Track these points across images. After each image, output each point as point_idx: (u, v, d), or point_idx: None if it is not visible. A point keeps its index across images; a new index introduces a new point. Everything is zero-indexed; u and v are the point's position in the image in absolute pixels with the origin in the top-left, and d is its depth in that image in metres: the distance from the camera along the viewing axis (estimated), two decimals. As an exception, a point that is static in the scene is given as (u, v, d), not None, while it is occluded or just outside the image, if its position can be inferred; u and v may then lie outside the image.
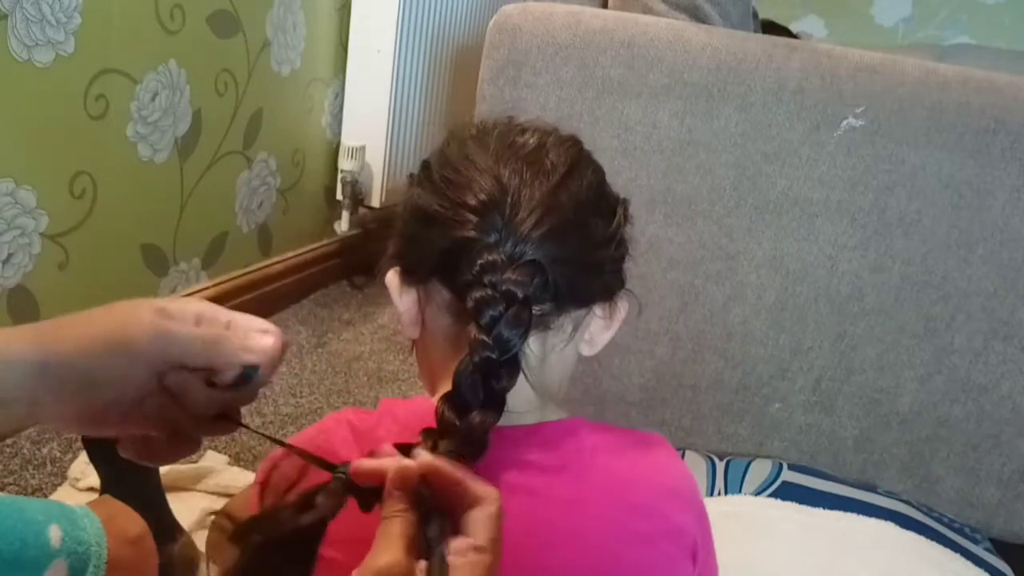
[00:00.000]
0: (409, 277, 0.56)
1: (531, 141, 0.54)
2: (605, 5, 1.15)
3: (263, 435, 0.51)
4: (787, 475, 1.02)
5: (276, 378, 1.39)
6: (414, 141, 1.88)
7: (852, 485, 1.02)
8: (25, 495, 1.00)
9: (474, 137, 0.55)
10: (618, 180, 1.06)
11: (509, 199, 0.50)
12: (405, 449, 0.44)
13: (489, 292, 0.47)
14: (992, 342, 1.00)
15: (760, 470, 1.03)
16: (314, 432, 0.56)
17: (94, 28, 1.12)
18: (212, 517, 0.76)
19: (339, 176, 1.79)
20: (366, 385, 1.43)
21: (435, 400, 0.50)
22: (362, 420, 0.54)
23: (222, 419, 0.47)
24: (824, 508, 0.96)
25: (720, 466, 1.05)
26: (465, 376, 0.46)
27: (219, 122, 1.43)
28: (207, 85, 1.38)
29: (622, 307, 0.57)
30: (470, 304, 0.47)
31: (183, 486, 1.00)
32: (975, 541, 1.00)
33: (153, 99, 1.26)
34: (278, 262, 1.70)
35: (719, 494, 1.00)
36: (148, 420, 0.45)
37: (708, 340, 1.07)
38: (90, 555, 0.64)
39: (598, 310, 0.56)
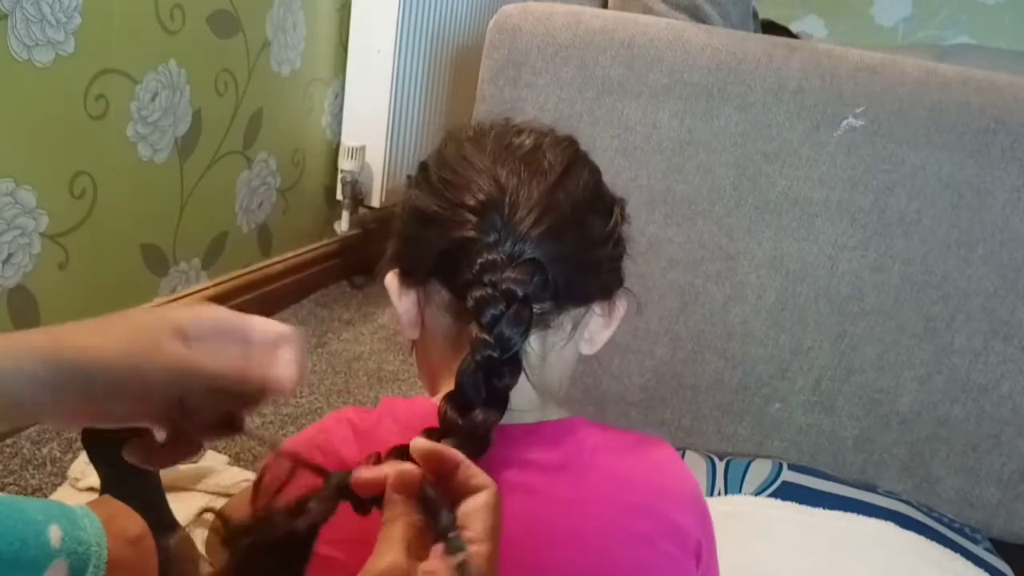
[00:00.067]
0: (408, 278, 0.56)
1: (527, 142, 0.54)
2: (605, 5, 1.15)
3: (262, 439, 0.51)
4: (787, 475, 1.02)
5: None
6: (414, 141, 1.88)
7: (852, 485, 1.02)
8: (25, 495, 1.00)
9: (471, 138, 0.55)
10: (618, 180, 1.06)
11: (507, 199, 0.50)
12: (406, 451, 0.44)
13: (489, 291, 0.47)
14: (992, 342, 1.00)
15: (760, 470, 1.03)
16: (315, 431, 0.56)
17: (94, 28, 1.12)
18: (211, 516, 0.76)
19: (339, 176, 1.79)
20: (366, 385, 1.43)
21: (435, 400, 0.50)
22: (362, 419, 0.54)
23: (226, 425, 0.47)
24: (824, 508, 0.96)
25: (720, 466, 1.05)
26: (467, 375, 0.46)
27: (219, 122, 1.43)
28: (207, 85, 1.37)
29: (621, 306, 0.58)
30: (471, 303, 0.48)
31: (183, 486, 1.00)
32: (975, 541, 1.00)
33: (153, 99, 1.26)
34: (278, 262, 1.70)
35: (719, 494, 1.00)
36: (151, 420, 0.45)
37: (708, 340, 1.07)
38: (90, 555, 0.64)
39: (597, 309, 0.57)
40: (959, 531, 1.01)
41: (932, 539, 0.95)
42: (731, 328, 1.06)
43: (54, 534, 0.61)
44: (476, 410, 0.45)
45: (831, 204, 1.00)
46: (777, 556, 0.88)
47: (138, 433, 0.48)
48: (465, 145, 0.54)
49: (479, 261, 0.49)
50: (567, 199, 0.52)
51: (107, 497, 0.74)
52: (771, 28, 1.67)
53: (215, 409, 0.45)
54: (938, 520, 1.01)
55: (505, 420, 0.48)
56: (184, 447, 0.46)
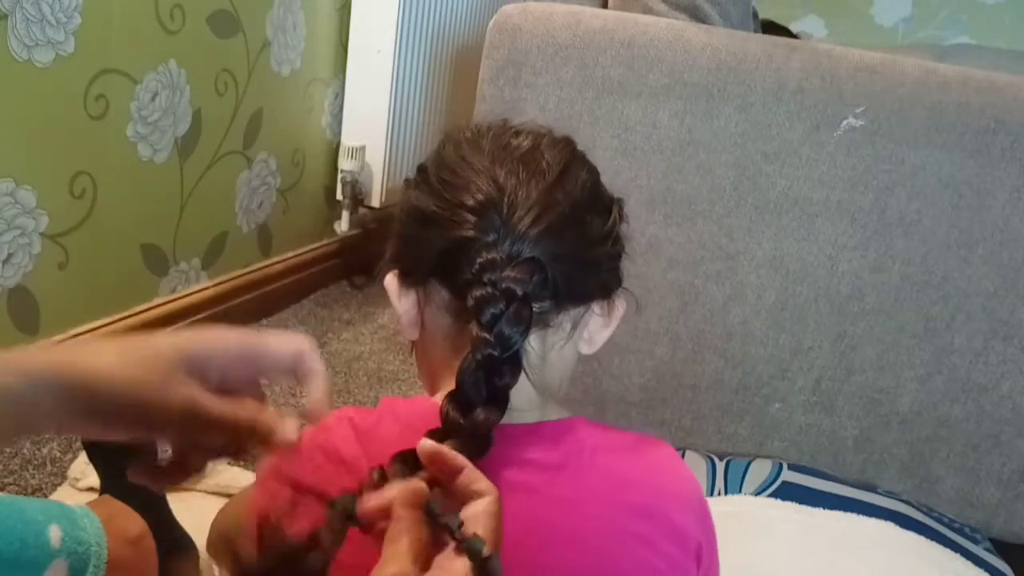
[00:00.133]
0: (408, 279, 0.56)
1: (525, 143, 0.54)
2: (605, 5, 1.15)
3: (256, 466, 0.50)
4: (787, 475, 1.02)
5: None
6: (414, 141, 1.88)
7: (852, 485, 1.02)
8: (25, 495, 1.00)
9: (469, 140, 0.55)
10: (618, 180, 1.06)
11: (506, 199, 0.50)
12: (409, 456, 0.44)
13: (489, 290, 0.48)
14: (992, 342, 1.00)
15: (760, 470, 1.03)
16: (315, 431, 0.56)
17: (94, 28, 1.12)
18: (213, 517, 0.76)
19: (339, 176, 1.79)
20: (366, 385, 1.43)
21: (436, 399, 0.50)
22: (363, 418, 0.54)
23: (232, 453, 0.47)
24: (824, 508, 0.96)
25: (720, 466, 1.05)
26: (468, 374, 0.46)
27: (219, 122, 1.43)
28: (207, 85, 1.38)
29: (620, 305, 0.58)
30: (471, 302, 0.48)
31: (183, 486, 1.00)
32: (975, 541, 1.00)
33: (153, 99, 1.26)
34: (278, 262, 1.70)
35: (719, 494, 1.00)
36: (157, 435, 0.44)
37: (708, 340, 1.07)
38: (90, 555, 0.64)
39: (596, 308, 0.57)
40: (959, 531, 1.01)
41: (932, 539, 0.95)
42: (731, 328, 1.06)
43: (54, 534, 0.61)
44: (477, 409, 0.46)
45: (831, 204, 1.00)
46: (777, 556, 0.88)
47: (140, 444, 0.48)
48: (463, 146, 0.55)
49: (478, 260, 0.49)
50: (565, 198, 0.52)
51: (107, 497, 0.74)
52: (771, 28, 1.67)
53: (222, 438, 0.45)
54: (938, 520, 1.01)
55: (505, 420, 0.48)
56: (187, 469, 0.46)
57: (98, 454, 0.79)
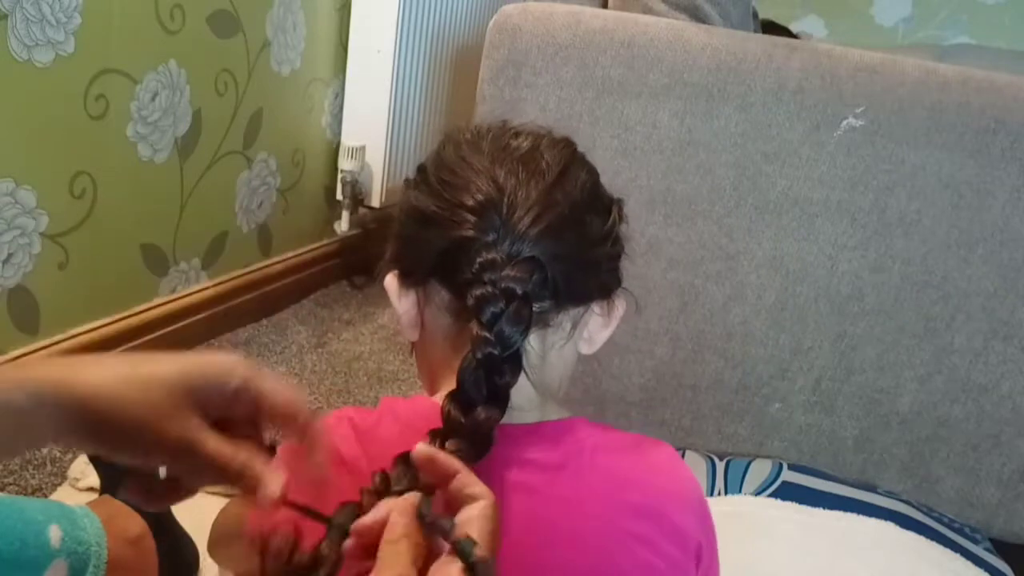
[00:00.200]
0: (408, 279, 0.56)
1: (525, 143, 0.55)
2: (605, 5, 1.15)
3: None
4: (787, 475, 1.02)
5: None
6: (414, 141, 1.88)
7: (852, 485, 1.02)
8: (25, 495, 1.00)
9: (469, 140, 0.55)
10: (618, 180, 1.07)
11: (506, 199, 0.51)
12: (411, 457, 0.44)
13: (489, 289, 0.48)
14: (992, 342, 1.00)
15: (760, 470, 1.03)
16: None
17: (94, 28, 1.12)
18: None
19: (339, 176, 1.79)
20: (366, 385, 1.43)
21: (436, 399, 0.50)
22: (363, 418, 0.55)
23: (228, 480, 0.47)
24: (824, 508, 0.96)
25: (720, 466, 1.05)
26: (468, 373, 0.46)
27: (219, 122, 1.43)
28: (207, 85, 1.38)
29: (620, 305, 0.58)
30: (471, 302, 0.48)
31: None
32: (975, 541, 1.01)
33: (153, 99, 1.26)
34: (278, 262, 1.70)
35: (719, 494, 1.00)
36: (151, 462, 0.44)
37: (708, 340, 1.07)
38: (90, 555, 0.64)
39: (596, 308, 0.57)
40: (959, 531, 1.01)
41: (932, 539, 0.95)
42: (731, 328, 1.06)
43: (54, 534, 0.61)
44: (478, 408, 0.46)
45: (831, 204, 1.00)
46: (777, 556, 0.88)
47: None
48: (463, 147, 0.55)
49: (478, 260, 0.49)
50: (565, 199, 0.52)
51: (107, 497, 0.74)
52: (771, 28, 1.67)
53: (213, 476, 0.45)
54: (938, 520, 1.01)
55: (506, 419, 0.48)
56: (181, 491, 0.46)
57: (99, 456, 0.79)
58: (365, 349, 1.56)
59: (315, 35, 1.65)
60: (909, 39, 2.42)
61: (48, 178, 1.11)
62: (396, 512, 0.40)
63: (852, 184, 0.99)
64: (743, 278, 1.04)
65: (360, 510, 0.42)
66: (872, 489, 1.02)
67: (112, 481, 0.77)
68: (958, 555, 0.94)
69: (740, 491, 1.00)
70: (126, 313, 1.32)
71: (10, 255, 1.08)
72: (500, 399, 0.47)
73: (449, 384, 0.48)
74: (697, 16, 1.08)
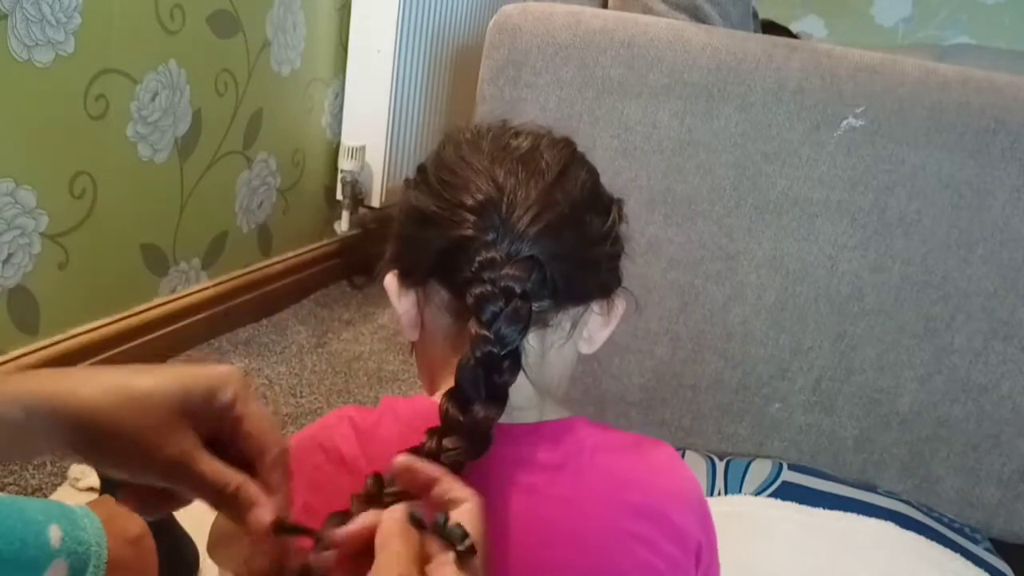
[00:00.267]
0: (407, 279, 0.56)
1: (525, 143, 0.55)
2: (605, 5, 1.15)
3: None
4: (787, 475, 1.02)
5: (276, 378, 1.39)
6: (414, 141, 1.88)
7: (852, 485, 1.02)
8: (25, 495, 1.00)
9: (469, 140, 0.55)
10: (618, 180, 1.07)
11: (505, 198, 0.51)
12: (414, 454, 0.44)
13: (489, 288, 0.48)
14: (992, 342, 1.00)
15: (760, 470, 1.03)
16: (316, 428, 0.57)
17: (94, 28, 1.12)
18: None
19: (339, 176, 1.79)
20: (366, 385, 1.43)
21: (436, 398, 0.50)
22: (363, 417, 0.55)
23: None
24: (824, 508, 0.96)
25: (720, 466, 1.05)
26: (467, 371, 0.46)
27: (219, 122, 1.43)
28: (207, 85, 1.38)
29: (619, 305, 0.58)
30: (470, 300, 0.48)
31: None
32: (975, 541, 1.01)
33: (153, 99, 1.26)
34: (278, 262, 1.70)
35: (719, 494, 1.00)
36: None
37: (708, 340, 1.07)
38: (90, 555, 0.64)
39: (596, 308, 0.57)
40: (959, 531, 1.01)
41: (932, 539, 0.95)
42: (731, 328, 1.06)
43: (54, 534, 0.61)
44: (476, 406, 0.46)
45: (831, 204, 1.00)
46: (777, 556, 0.88)
47: None
48: (463, 147, 0.55)
49: (478, 259, 0.49)
50: (565, 198, 0.52)
51: (107, 497, 0.74)
52: (771, 28, 1.67)
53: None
54: (938, 520, 1.01)
55: (505, 419, 0.48)
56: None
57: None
58: (365, 349, 1.56)
59: (315, 35, 1.65)
60: (909, 39, 2.42)
61: (48, 178, 1.11)
62: (387, 515, 0.40)
63: (852, 184, 0.99)
64: (743, 278, 1.04)
65: (349, 518, 0.42)
66: (872, 489, 1.02)
67: (112, 481, 0.77)
68: (958, 555, 0.94)
69: (740, 491, 1.00)
70: (126, 313, 1.32)
71: (10, 255, 1.08)
72: (499, 398, 0.47)
73: (449, 383, 0.48)
74: (697, 16, 1.08)
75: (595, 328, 0.58)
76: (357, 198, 1.81)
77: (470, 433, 0.45)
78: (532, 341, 0.52)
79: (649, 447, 0.57)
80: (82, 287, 1.21)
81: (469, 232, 0.50)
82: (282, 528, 0.42)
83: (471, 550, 0.37)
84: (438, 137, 0.58)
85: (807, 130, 0.99)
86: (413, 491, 0.42)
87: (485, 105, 1.07)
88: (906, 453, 1.06)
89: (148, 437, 0.40)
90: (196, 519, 0.82)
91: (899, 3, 2.41)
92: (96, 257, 1.23)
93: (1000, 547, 1.03)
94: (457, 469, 0.45)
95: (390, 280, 0.57)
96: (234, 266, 1.57)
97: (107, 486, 0.80)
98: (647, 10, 1.08)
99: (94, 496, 0.86)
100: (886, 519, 0.95)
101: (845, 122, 0.97)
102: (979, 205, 0.97)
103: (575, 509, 0.50)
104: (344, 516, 0.42)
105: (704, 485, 1.01)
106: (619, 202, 0.58)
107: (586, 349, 0.59)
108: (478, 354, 0.46)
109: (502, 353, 0.47)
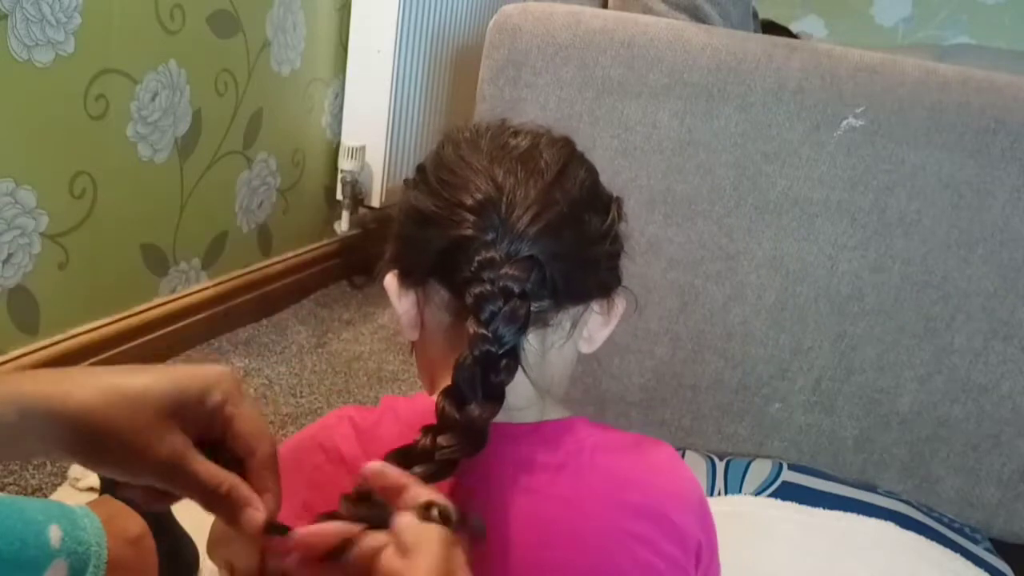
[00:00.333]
0: (407, 279, 0.56)
1: (524, 142, 0.55)
2: (605, 5, 1.15)
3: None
4: (787, 475, 1.02)
5: (277, 378, 1.39)
6: (414, 141, 1.88)
7: (852, 485, 1.02)
8: (25, 495, 1.00)
9: (468, 140, 0.55)
10: (618, 180, 1.06)
11: (505, 198, 0.51)
12: (402, 454, 0.44)
13: (488, 288, 0.48)
14: (992, 342, 1.00)
15: (760, 470, 1.03)
16: (316, 428, 0.57)
17: (94, 28, 1.12)
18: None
19: (339, 176, 1.79)
20: (366, 385, 1.43)
21: (435, 397, 0.50)
22: (364, 417, 0.55)
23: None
24: (824, 508, 0.96)
25: (720, 466, 1.05)
26: (464, 370, 0.46)
27: (219, 122, 1.43)
28: (207, 85, 1.38)
29: (620, 304, 0.58)
30: (469, 300, 0.48)
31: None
32: (975, 541, 1.00)
33: (153, 99, 1.26)
34: (278, 262, 1.70)
35: (719, 494, 1.00)
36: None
37: (708, 340, 1.07)
38: (90, 555, 0.64)
39: (596, 307, 0.57)
40: (959, 531, 1.01)
41: (932, 539, 0.95)
42: (731, 328, 1.06)
43: (54, 534, 0.61)
44: (472, 404, 0.46)
45: (831, 204, 1.00)
46: (777, 556, 0.88)
47: None
48: (462, 146, 0.55)
49: (477, 259, 0.49)
50: (564, 197, 0.52)
51: (107, 497, 0.74)
52: (771, 28, 1.67)
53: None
54: (938, 520, 1.01)
55: (505, 419, 0.48)
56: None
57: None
58: (365, 349, 1.56)
59: (315, 35, 1.65)
60: (909, 39, 2.42)
61: (48, 178, 1.11)
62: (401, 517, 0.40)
63: (852, 184, 0.99)
64: (743, 278, 1.04)
65: (335, 518, 0.42)
66: (872, 489, 1.02)
67: (112, 481, 0.77)
68: (958, 555, 0.94)
69: (740, 491, 1.00)
70: (126, 313, 1.32)
71: (10, 255, 1.08)
72: (495, 397, 0.47)
73: (448, 382, 0.48)
74: (697, 16, 1.08)
75: (595, 327, 0.58)
76: (357, 198, 1.81)
77: (465, 431, 0.45)
78: (532, 341, 0.52)
79: (649, 447, 0.57)
80: (82, 287, 1.21)
81: (468, 232, 0.50)
82: (272, 528, 0.42)
83: (462, 520, 0.38)
84: (438, 137, 0.58)
85: (807, 130, 0.99)
86: (384, 498, 0.42)
87: (485, 105, 1.07)
88: (906, 453, 1.06)
89: (141, 437, 0.40)
90: (196, 519, 0.82)
91: (899, 3, 2.41)
92: (96, 257, 1.23)
93: (1000, 547, 1.03)
94: (451, 467, 0.45)
95: (390, 280, 0.57)
96: (234, 266, 1.57)
97: (107, 486, 0.80)
98: (647, 10, 1.08)
99: (94, 496, 0.86)
100: (886, 519, 0.95)
101: (845, 122, 0.97)
102: (979, 205, 0.97)
103: (575, 509, 0.51)
104: (332, 517, 0.42)
105: (704, 485, 1.01)
106: (618, 201, 0.58)
107: (586, 348, 0.59)
108: (476, 353, 0.46)
109: (500, 352, 0.47)
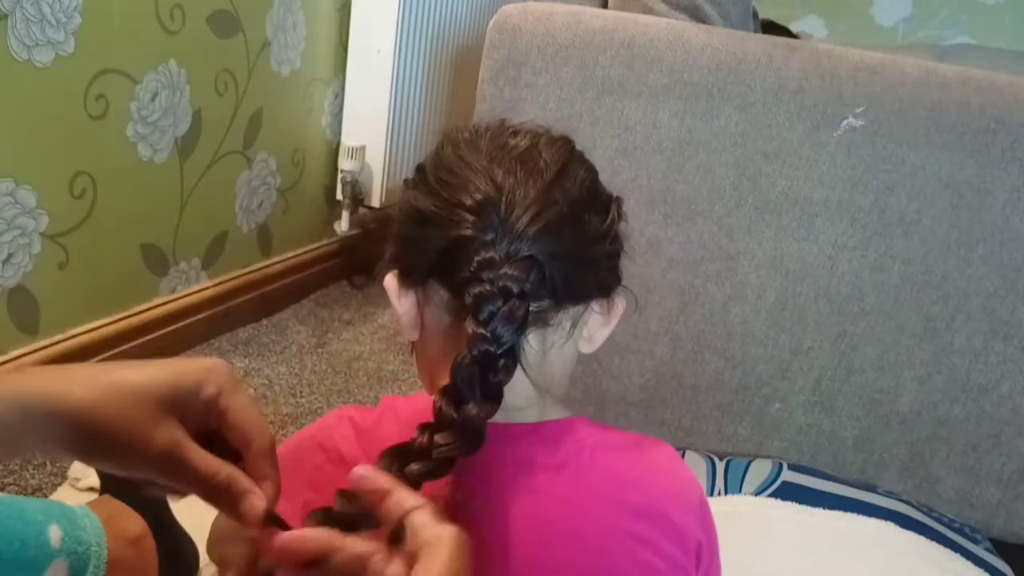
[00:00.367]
0: (407, 279, 0.56)
1: (523, 142, 0.54)
2: (605, 5, 1.15)
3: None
4: (787, 475, 1.02)
5: (277, 379, 1.39)
6: (414, 141, 1.88)
7: (852, 485, 1.02)
8: (25, 495, 1.00)
9: (467, 140, 0.55)
10: (618, 180, 1.07)
11: (504, 198, 0.50)
12: (398, 452, 0.44)
13: (487, 288, 0.48)
14: (992, 342, 1.00)
15: (760, 470, 1.03)
16: (316, 428, 0.57)
17: (94, 28, 1.12)
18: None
19: (339, 176, 1.79)
20: (366, 385, 1.43)
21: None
22: (364, 417, 0.55)
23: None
24: (824, 508, 0.96)
25: (720, 466, 1.05)
26: (462, 369, 0.46)
27: (219, 122, 1.43)
28: (207, 85, 1.38)
29: (620, 304, 0.58)
30: (468, 300, 0.48)
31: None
32: (975, 541, 1.00)
33: (153, 99, 1.26)
34: (278, 262, 1.70)
35: (719, 494, 1.00)
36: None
37: (708, 340, 1.07)
38: (90, 555, 0.64)
39: (596, 307, 0.57)
40: (959, 531, 1.01)
41: (932, 539, 0.95)
42: (731, 328, 1.06)
43: (54, 534, 0.61)
44: (470, 404, 0.46)
45: (831, 204, 1.00)
46: (777, 556, 0.88)
47: None
48: (461, 146, 0.55)
49: (476, 259, 0.49)
50: (563, 197, 0.52)
51: (107, 497, 0.74)
52: (771, 28, 1.67)
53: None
54: (938, 520, 1.01)
55: (505, 419, 0.48)
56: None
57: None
58: (365, 349, 1.56)
59: (315, 35, 1.65)
60: (909, 39, 2.42)
61: (48, 178, 1.11)
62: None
63: (852, 184, 0.99)
64: (743, 278, 1.04)
65: (330, 515, 0.42)
66: (872, 489, 1.02)
67: (112, 481, 0.77)
68: (958, 555, 0.94)
69: (740, 491, 1.00)
70: (126, 313, 1.32)
71: (10, 255, 1.08)
72: (493, 396, 0.47)
73: (447, 381, 0.48)
74: (697, 16, 1.08)
75: (595, 327, 0.58)
76: (357, 198, 1.81)
77: (462, 430, 0.45)
78: (532, 341, 0.52)
79: (649, 447, 0.57)
80: (82, 287, 1.21)
81: (468, 232, 0.50)
82: (271, 520, 0.42)
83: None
84: (438, 137, 0.58)
85: (807, 130, 0.99)
86: (368, 503, 0.42)
87: (485, 105, 1.07)
88: (906, 453, 1.06)
89: (137, 430, 0.41)
90: (196, 519, 0.82)
91: (899, 3, 2.41)
92: (96, 257, 1.23)
93: (1000, 547, 1.03)
94: (448, 465, 0.45)
95: (390, 280, 0.57)
96: (234, 266, 1.57)
97: (107, 486, 0.80)
98: (647, 10, 1.08)
99: (94, 496, 0.86)
100: (886, 519, 0.95)
101: (845, 122, 0.97)
102: (979, 205, 0.97)
103: (575, 509, 0.51)
104: (327, 512, 0.42)
105: (704, 485, 1.01)
106: (618, 200, 0.57)
107: (586, 348, 0.58)
108: (474, 352, 0.46)
109: (498, 352, 0.47)
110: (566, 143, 0.57)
